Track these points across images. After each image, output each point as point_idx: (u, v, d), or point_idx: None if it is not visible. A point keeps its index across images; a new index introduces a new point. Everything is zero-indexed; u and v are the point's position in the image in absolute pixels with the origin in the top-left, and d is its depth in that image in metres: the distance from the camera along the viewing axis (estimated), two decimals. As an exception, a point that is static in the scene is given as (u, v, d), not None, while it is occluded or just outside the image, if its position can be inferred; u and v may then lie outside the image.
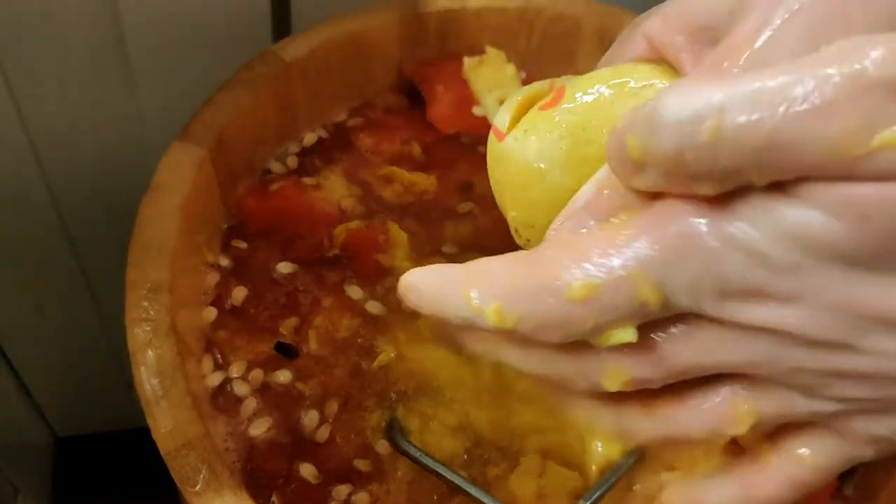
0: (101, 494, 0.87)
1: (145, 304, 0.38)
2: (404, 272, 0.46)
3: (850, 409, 0.22)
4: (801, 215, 0.19)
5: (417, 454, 0.39)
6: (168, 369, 0.36)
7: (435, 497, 0.39)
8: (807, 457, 0.24)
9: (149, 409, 0.36)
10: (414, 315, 0.44)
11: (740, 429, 0.23)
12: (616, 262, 0.21)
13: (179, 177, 0.42)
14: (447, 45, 0.53)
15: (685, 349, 0.22)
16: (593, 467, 0.41)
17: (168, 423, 0.35)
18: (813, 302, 0.20)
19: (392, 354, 0.42)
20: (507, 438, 0.41)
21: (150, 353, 0.37)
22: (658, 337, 0.22)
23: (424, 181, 0.50)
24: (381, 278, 0.45)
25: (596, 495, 0.39)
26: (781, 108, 0.18)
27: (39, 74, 0.53)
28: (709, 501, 0.27)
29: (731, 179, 0.20)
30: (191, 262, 0.43)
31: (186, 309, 0.41)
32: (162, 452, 0.35)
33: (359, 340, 0.43)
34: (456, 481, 0.38)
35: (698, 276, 0.20)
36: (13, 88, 0.53)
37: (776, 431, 0.25)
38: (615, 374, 0.22)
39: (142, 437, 0.37)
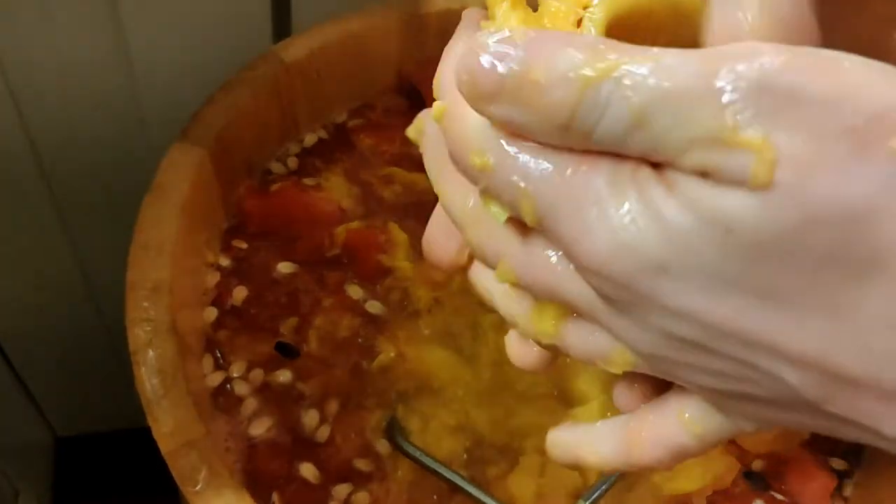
0: (101, 494, 0.87)
1: (146, 304, 0.38)
2: (404, 272, 0.46)
3: (714, 391, 0.22)
4: (675, 215, 0.19)
5: (417, 454, 0.39)
6: (168, 369, 0.36)
7: (435, 496, 0.39)
8: (686, 420, 0.24)
9: (149, 409, 0.36)
10: (414, 315, 0.44)
11: (615, 368, 0.23)
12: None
13: (180, 177, 0.42)
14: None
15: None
16: (593, 467, 0.41)
17: (169, 422, 0.35)
18: (671, 304, 0.20)
19: (392, 354, 0.42)
20: (506, 438, 0.41)
21: (150, 352, 0.37)
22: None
23: (424, 181, 0.50)
24: (382, 278, 0.45)
25: (595, 495, 0.39)
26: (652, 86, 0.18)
27: (40, 75, 0.53)
28: (589, 454, 0.26)
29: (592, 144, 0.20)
30: (191, 262, 0.43)
31: (187, 309, 0.41)
32: (162, 452, 0.35)
33: (359, 340, 0.43)
34: (456, 481, 0.38)
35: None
36: (13, 89, 0.53)
37: (663, 388, 0.25)
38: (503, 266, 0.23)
39: (142, 436, 0.37)
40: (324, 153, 0.51)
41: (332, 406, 0.41)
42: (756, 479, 0.42)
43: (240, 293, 0.44)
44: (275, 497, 0.38)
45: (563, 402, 0.43)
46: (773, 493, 0.42)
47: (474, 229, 0.24)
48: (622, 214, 0.19)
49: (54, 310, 0.71)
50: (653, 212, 0.19)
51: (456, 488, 0.39)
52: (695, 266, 0.19)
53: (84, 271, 0.69)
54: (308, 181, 0.49)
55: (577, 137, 0.20)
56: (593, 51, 0.19)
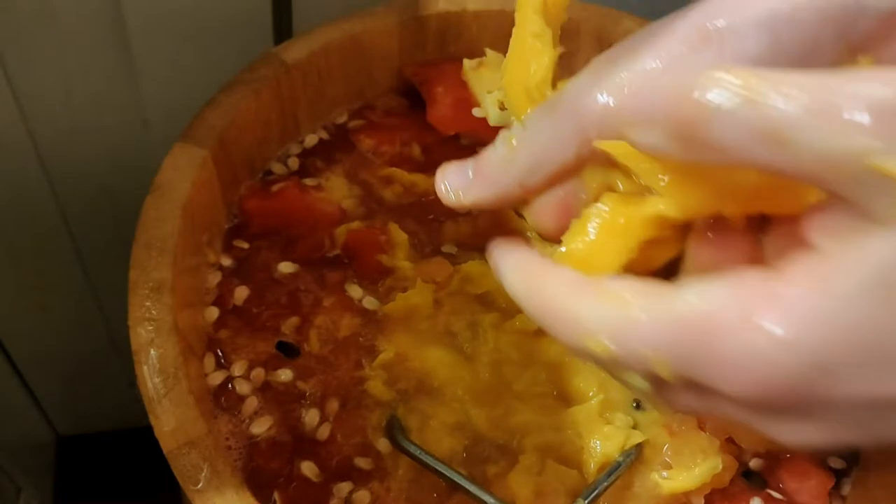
0: (103, 493, 0.88)
1: (148, 303, 0.38)
2: (404, 272, 0.46)
3: None
4: (815, 296, 0.19)
5: (417, 452, 0.39)
6: (170, 368, 0.37)
7: (435, 495, 0.40)
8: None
9: (151, 408, 0.36)
10: (414, 314, 0.44)
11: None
12: None
13: (181, 177, 0.42)
14: (447, 47, 0.54)
15: None
16: (592, 465, 0.41)
17: (170, 421, 0.35)
18: (855, 398, 0.20)
19: (392, 354, 0.43)
20: (506, 436, 0.41)
21: (152, 352, 0.37)
22: None
23: (424, 182, 0.50)
24: (382, 278, 0.46)
25: (594, 493, 0.39)
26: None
27: (43, 76, 0.53)
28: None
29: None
30: (193, 261, 0.43)
31: (189, 308, 0.41)
32: (164, 451, 0.35)
33: (360, 339, 0.43)
34: (455, 479, 0.39)
35: None
36: (16, 90, 0.53)
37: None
38: None
39: (144, 435, 0.37)
40: (324, 154, 0.51)
41: (333, 405, 0.41)
42: (754, 478, 0.42)
43: (241, 293, 0.44)
44: (276, 495, 0.39)
45: (562, 401, 0.43)
46: (770, 491, 0.42)
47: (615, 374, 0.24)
48: (755, 334, 0.19)
49: (56, 309, 0.71)
50: (786, 309, 0.19)
51: (455, 486, 0.39)
52: (860, 345, 0.19)
53: (85, 271, 0.69)
54: (309, 181, 0.49)
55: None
56: None
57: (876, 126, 0.17)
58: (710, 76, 0.19)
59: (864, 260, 0.18)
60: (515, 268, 0.26)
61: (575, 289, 0.23)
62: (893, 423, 0.20)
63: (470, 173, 0.30)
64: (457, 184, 0.30)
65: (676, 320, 0.21)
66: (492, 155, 0.29)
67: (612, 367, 0.23)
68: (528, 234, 0.29)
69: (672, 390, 0.22)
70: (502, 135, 0.28)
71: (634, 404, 0.43)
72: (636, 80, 0.23)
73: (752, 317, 0.19)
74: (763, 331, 0.19)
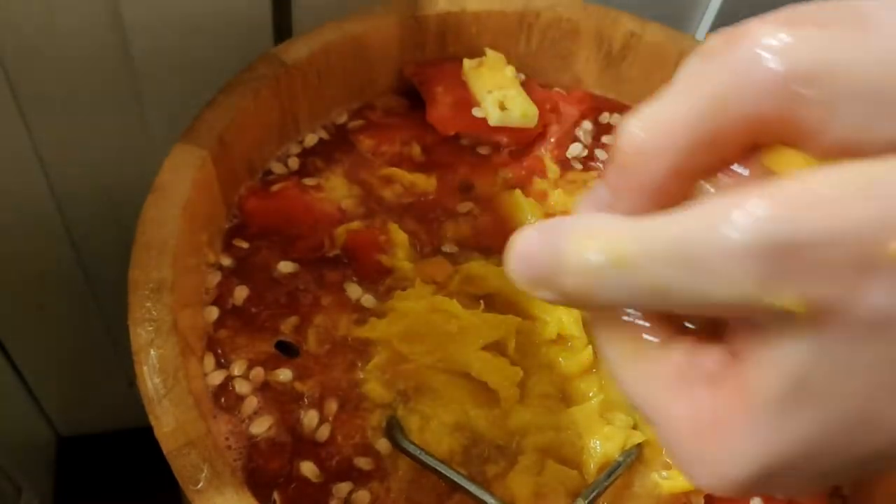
0: (103, 493, 0.88)
1: (148, 303, 0.38)
2: (404, 272, 0.46)
3: None
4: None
5: (417, 452, 0.39)
6: (170, 368, 0.37)
7: (435, 495, 0.40)
8: None
9: (151, 408, 0.36)
10: (413, 314, 0.44)
11: None
12: None
13: (181, 178, 0.42)
14: (447, 47, 0.54)
15: None
16: (592, 465, 0.41)
17: (170, 421, 0.35)
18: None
19: (391, 354, 0.43)
20: (505, 437, 0.41)
21: (152, 352, 0.37)
22: None
23: (424, 182, 0.50)
24: (382, 278, 0.46)
25: (594, 493, 0.39)
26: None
27: (42, 76, 0.53)
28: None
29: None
30: (192, 261, 0.43)
31: (188, 308, 0.41)
32: (164, 451, 0.35)
33: (359, 339, 0.43)
34: (455, 479, 0.39)
35: None
36: (15, 90, 0.53)
37: None
38: None
39: (144, 436, 0.37)
40: (324, 153, 0.51)
41: (332, 405, 0.41)
42: (754, 478, 0.42)
43: (241, 292, 0.44)
44: (276, 496, 0.39)
45: (563, 402, 0.43)
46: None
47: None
48: (733, 450, 0.21)
49: (56, 309, 0.71)
50: (729, 438, 0.21)
51: (455, 487, 0.39)
52: (803, 433, 0.21)
53: (85, 271, 0.69)
54: (308, 181, 0.49)
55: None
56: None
57: (756, 268, 0.19)
58: (579, 239, 0.21)
59: (778, 368, 0.20)
60: None
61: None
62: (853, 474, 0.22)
63: (613, 177, 0.23)
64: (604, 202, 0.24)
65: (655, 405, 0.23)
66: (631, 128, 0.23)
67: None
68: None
69: None
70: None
71: None
72: None
73: (700, 426, 0.22)
74: (713, 442, 0.21)
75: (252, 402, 0.41)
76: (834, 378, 0.20)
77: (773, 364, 0.20)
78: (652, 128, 0.22)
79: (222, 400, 0.41)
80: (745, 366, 0.21)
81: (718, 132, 0.21)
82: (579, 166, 0.53)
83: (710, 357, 0.22)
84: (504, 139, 0.52)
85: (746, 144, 0.22)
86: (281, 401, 0.41)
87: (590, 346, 0.44)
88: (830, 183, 0.19)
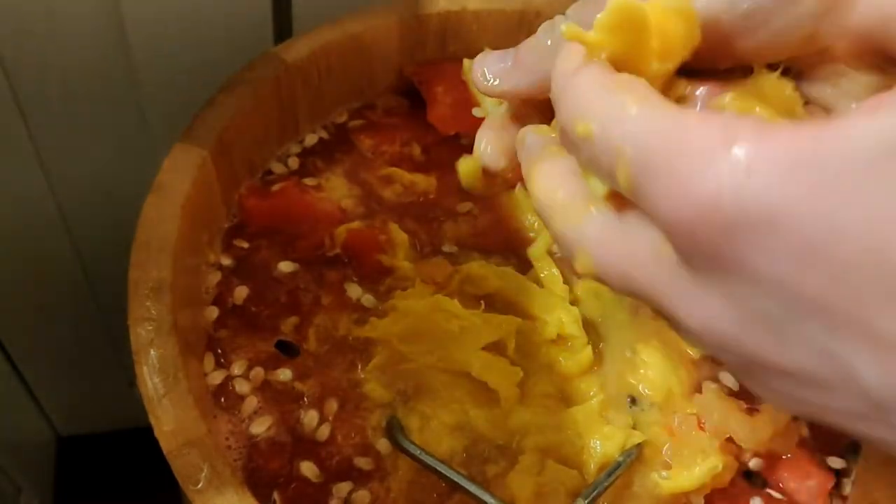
0: (103, 493, 0.88)
1: (148, 303, 0.38)
2: (404, 272, 0.46)
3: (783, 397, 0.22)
4: (792, 152, 0.18)
5: (417, 452, 0.39)
6: (170, 368, 0.37)
7: (435, 495, 0.40)
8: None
9: (151, 408, 0.36)
10: (413, 314, 0.44)
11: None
12: None
13: (181, 177, 0.42)
14: (447, 46, 0.54)
15: None
16: (592, 465, 0.41)
17: (170, 421, 0.35)
18: (763, 268, 0.19)
19: (391, 354, 0.43)
20: (505, 437, 0.41)
21: (152, 352, 0.37)
22: None
23: (424, 182, 0.50)
24: (382, 278, 0.46)
25: (594, 493, 0.39)
26: None
27: (42, 75, 0.53)
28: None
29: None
30: (192, 261, 0.43)
31: (188, 308, 0.41)
32: (164, 451, 0.35)
33: (359, 339, 0.43)
34: (456, 479, 0.39)
35: None
36: (16, 90, 0.53)
37: None
38: None
39: (144, 435, 0.37)
40: (324, 153, 0.51)
41: (332, 405, 0.41)
42: (754, 478, 0.42)
43: (241, 292, 0.44)
44: (276, 495, 0.39)
45: (563, 402, 0.43)
46: (770, 491, 0.42)
47: (559, 218, 0.25)
48: (721, 156, 0.18)
49: (56, 309, 0.71)
50: (767, 154, 0.18)
51: (456, 487, 0.39)
52: (804, 215, 0.17)
53: (86, 271, 0.69)
54: (309, 181, 0.49)
55: None
56: None
57: None
58: None
59: (867, 134, 0.17)
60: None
61: (595, 76, 0.23)
62: (768, 347, 0.20)
63: (509, 61, 0.29)
64: (495, 70, 0.30)
65: (660, 124, 0.20)
66: (534, 42, 0.28)
67: (585, 158, 0.23)
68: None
69: (619, 206, 0.23)
70: (545, 24, 0.28)
71: (629, 400, 0.43)
72: None
73: (729, 143, 0.19)
74: (731, 157, 0.18)
75: (252, 402, 0.41)
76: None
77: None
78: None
79: (222, 400, 0.41)
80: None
81: None
82: (579, 166, 0.53)
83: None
84: (504, 139, 0.52)
85: None
86: (281, 400, 0.41)
87: (589, 347, 0.44)
88: None
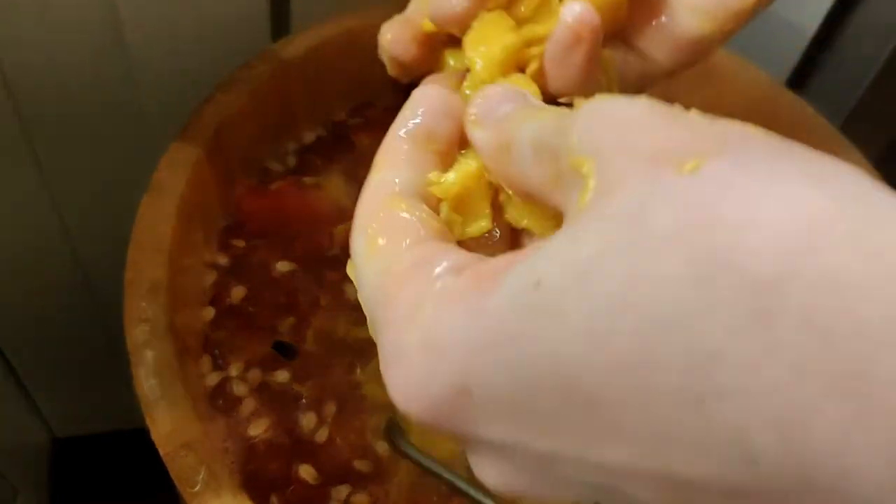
0: (100, 495, 0.87)
1: (144, 303, 0.38)
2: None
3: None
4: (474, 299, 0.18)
5: (417, 455, 0.39)
6: (166, 369, 0.36)
7: (434, 498, 0.39)
8: None
9: (147, 410, 0.35)
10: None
11: None
12: None
13: (178, 176, 0.42)
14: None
15: None
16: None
17: (167, 423, 0.35)
18: (490, 437, 0.19)
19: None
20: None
21: (148, 352, 0.36)
22: None
23: (424, 181, 0.50)
24: (381, 278, 0.45)
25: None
26: None
27: (37, 72, 0.53)
28: None
29: None
30: (189, 261, 0.42)
31: (185, 308, 0.41)
32: (161, 453, 0.34)
33: (357, 340, 0.43)
34: (455, 482, 0.38)
35: None
36: (12, 88, 0.53)
37: None
38: None
39: (140, 437, 0.36)
40: (323, 152, 0.51)
41: (331, 406, 0.41)
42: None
43: (238, 292, 0.44)
44: (274, 498, 0.38)
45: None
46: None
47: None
48: (416, 351, 0.18)
49: (52, 310, 0.71)
50: (443, 334, 0.18)
51: (455, 489, 0.39)
52: (490, 376, 0.17)
53: (82, 271, 0.68)
54: (307, 180, 0.49)
55: None
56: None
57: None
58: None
59: (520, 266, 0.17)
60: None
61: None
62: (567, 478, 0.18)
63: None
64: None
65: (380, 272, 0.22)
66: None
67: None
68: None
69: None
70: None
71: None
72: None
73: (414, 322, 0.19)
74: (413, 347, 0.19)
75: (249, 404, 0.40)
76: (568, 285, 0.16)
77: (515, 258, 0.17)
78: None
79: (219, 401, 0.40)
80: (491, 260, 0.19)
81: None
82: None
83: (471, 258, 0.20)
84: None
85: None
86: (279, 402, 0.41)
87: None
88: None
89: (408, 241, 0.21)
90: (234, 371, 0.41)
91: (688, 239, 0.14)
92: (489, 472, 0.19)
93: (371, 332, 0.22)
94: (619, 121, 0.18)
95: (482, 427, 0.18)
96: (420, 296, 0.19)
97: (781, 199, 0.14)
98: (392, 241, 0.22)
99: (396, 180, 0.24)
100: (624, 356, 0.15)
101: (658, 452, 0.15)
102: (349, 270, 0.25)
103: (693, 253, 0.14)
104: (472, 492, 0.38)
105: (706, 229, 0.14)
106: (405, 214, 0.23)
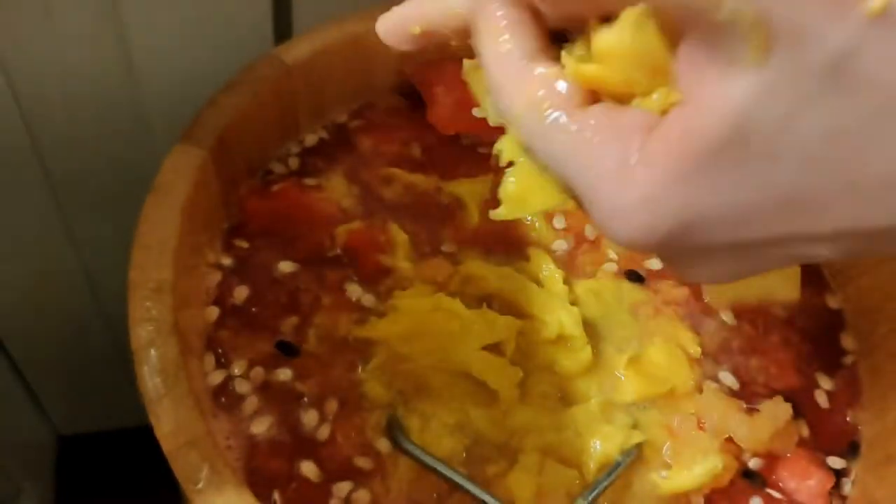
0: (104, 493, 0.87)
1: (148, 303, 0.38)
2: (404, 272, 0.46)
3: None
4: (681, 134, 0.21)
5: (417, 452, 0.39)
6: (170, 368, 0.37)
7: (435, 495, 0.40)
8: None
9: (151, 408, 0.36)
10: (413, 314, 0.44)
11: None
12: None
13: (181, 178, 0.42)
14: (447, 46, 0.53)
15: None
16: (591, 465, 0.41)
17: (170, 421, 0.35)
18: (716, 242, 0.23)
19: (391, 354, 0.43)
20: (505, 437, 0.41)
21: (152, 352, 0.37)
22: None
23: (425, 182, 0.50)
24: (382, 278, 0.46)
25: (594, 493, 0.39)
26: None
27: (42, 76, 0.53)
28: None
29: None
30: (193, 261, 0.43)
31: (189, 308, 0.41)
32: (164, 451, 0.35)
33: (359, 339, 0.43)
34: (455, 479, 0.39)
35: None
36: (16, 90, 0.53)
37: None
38: None
39: (144, 435, 0.37)
40: (324, 153, 0.51)
41: (332, 404, 0.41)
42: (754, 478, 0.42)
43: (241, 292, 0.44)
44: (276, 495, 0.39)
45: (563, 402, 0.43)
46: (770, 491, 0.42)
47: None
48: (628, 190, 0.21)
49: (56, 309, 0.71)
50: (652, 166, 0.21)
51: (456, 486, 0.39)
52: (718, 199, 0.20)
53: (86, 271, 0.69)
54: (309, 181, 0.49)
55: None
56: None
57: None
58: None
59: (720, 109, 0.20)
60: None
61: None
62: (770, 255, 0.22)
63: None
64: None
65: (567, 141, 0.23)
66: None
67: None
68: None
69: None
70: None
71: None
72: None
73: (626, 171, 0.21)
74: (635, 187, 0.21)
75: (252, 402, 0.41)
76: (777, 132, 0.19)
77: (715, 103, 0.20)
78: None
79: (222, 399, 0.41)
80: (684, 111, 0.21)
81: None
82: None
83: (638, 113, 0.22)
84: (504, 139, 0.52)
85: None
86: (281, 400, 0.41)
87: (589, 347, 0.44)
88: None
89: (576, 99, 0.23)
90: (236, 370, 0.42)
91: None
92: (699, 272, 0.24)
93: (563, 190, 0.24)
94: None
95: (702, 244, 0.22)
96: (624, 156, 0.21)
97: None
98: (559, 104, 0.23)
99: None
100: (835, 176, 0.19)
101: (854, 217, 0.20)
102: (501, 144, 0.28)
103: None
104: (472, 488, 0.38)
105: None
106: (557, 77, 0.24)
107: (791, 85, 0.19)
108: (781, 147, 0.19)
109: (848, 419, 0.45)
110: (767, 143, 0.19)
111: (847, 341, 0.48)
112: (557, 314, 0.44)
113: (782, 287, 0.48)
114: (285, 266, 0.45)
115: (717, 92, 0.19)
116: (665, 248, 0.22)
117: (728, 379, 0.44)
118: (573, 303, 0.45)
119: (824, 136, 0.19)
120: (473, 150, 0.52)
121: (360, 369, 0.43)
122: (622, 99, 0.23)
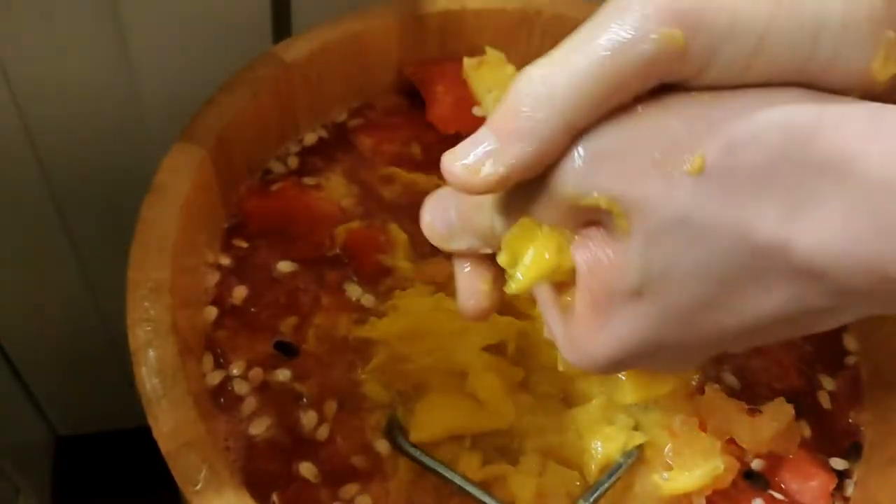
0: (102, 493, 0.87)
1: (146, 304, 0.38)
2: (404, 272, 0.46)
3: None
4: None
5: (417, 454, 0.39)
6: (169, 369, 0.36)
7: (435, 496, 0.39)
8: None
9: (149, 409, 0.36)
10: (413, 314, 0.44)
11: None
12: None
13: (180, 177, 0.42)
14: (447, 45, 0.53)
15: None
16: (593, 466, 0.41)
17: (169, 422, 0.35)
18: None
19: (391, 355, 0.42)
20: (506, 438, 0.41)
21: (150, 352, 0.37)
22: None
23: (425, 181, 0.50)
24: (381, 278, 0.46)
25: (595, 494, 0.39)
26: None
27: (40, 77, 0.53)
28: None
29: None
30: (191, 261, 0.43)
31: (187, 308, 0.41)
32: (163, 451, 0.35)
33: (358, 340, 0.43)
34: (455, 480, 0.38)
35: None
36: (14, 90, 0.53)
37: None
38: None
39: (142, 436, 0.37)
40: (324, 153, 0.51)
41: (332, 405, 0.41)
42: (756, 479, 0.42)
43: (240, 292, 0.44)
44: (275, 496, 0.38)
45: (564, 402, 0.43)
46: (772, 492, 0.42)
47: None
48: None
49: (55, 309, 0.71)
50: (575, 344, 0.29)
51: (456, 488, 0.39)
52: (642, 322, 0.26)
53: (84, 271, 0.69)
54: (308, 181, 0.49)
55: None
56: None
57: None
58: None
59: (619, 268, 0.26)
60: None
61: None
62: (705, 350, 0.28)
63: (492, 137, 0.25)
64: (480, 154, 0.26)
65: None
66: (519, 99, 0.24)
67: None
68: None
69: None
70: (517, 78, 0.25)
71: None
72: None
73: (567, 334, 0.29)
74: (577, 343, 0.28)
75: (251, 403, 0.41)
76: (665, 272, 0.24)
77: (617, 260, 0.25)
78: (553, 79, 0.24)
79: (221, 400, 0.41)
80: (599, 266, 0.26)
81: (617, 80, 0.24)
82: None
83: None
84: (504, 138, 0.52)
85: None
86: (280, 401, 0.41)
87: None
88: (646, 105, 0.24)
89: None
90: (235, 370, 0.41)
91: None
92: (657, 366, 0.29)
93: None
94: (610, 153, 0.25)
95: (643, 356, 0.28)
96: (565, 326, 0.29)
97: None
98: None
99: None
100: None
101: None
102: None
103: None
104: (472, 490, 0.38)
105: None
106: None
107: (655, 244, 0.23)
108: (671, 290, 0.24)
109: (850, 420, 0.45)
110: (657, 287, 0.24)
111: (849, 342, 0.47)
112: (558, 314, 0.44)
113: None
114: (284, 266, 0.45)
115: (612, 257, 0.25)
116: (616, 368, 0.28)
117: (730, 379, 0.44)
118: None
119: (699, 277, 0.24)
120: (474, 149, 0.52)
121: (359, 369, 0.42)
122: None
